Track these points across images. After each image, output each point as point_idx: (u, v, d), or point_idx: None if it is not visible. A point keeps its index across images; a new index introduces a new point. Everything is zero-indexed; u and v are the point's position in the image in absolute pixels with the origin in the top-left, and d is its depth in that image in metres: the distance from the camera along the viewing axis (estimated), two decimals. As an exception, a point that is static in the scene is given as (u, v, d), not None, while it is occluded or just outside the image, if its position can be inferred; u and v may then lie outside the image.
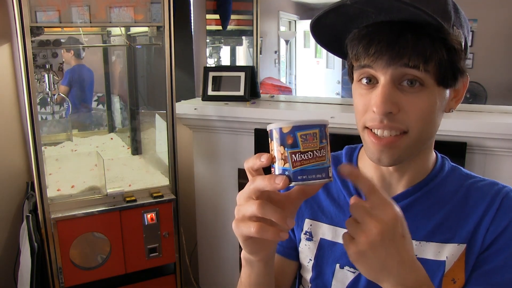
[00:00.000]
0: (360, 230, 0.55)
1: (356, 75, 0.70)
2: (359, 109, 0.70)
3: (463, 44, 0.67)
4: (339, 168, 0.57)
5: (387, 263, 0.56)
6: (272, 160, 0.55)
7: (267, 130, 0.55)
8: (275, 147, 0.54)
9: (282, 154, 0.53)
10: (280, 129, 0.53)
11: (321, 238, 0.82)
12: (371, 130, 0.69)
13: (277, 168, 0.54)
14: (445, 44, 0.64)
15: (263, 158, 0.55)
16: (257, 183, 0.55)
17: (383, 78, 0.65)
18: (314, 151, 0.53)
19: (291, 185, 0.54)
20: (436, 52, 0.63)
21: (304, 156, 0.52)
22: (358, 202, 0.57)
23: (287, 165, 0.53)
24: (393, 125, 0.66)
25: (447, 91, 0.69)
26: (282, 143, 0.53)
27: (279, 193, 0.60)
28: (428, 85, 0.65)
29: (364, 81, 0.68)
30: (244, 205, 0.56)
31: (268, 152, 0.56)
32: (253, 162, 0.56)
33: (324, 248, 0.82)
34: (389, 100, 0.64)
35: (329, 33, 0.71)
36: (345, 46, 0.71)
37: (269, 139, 0.55)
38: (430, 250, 0.73)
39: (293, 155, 0.52)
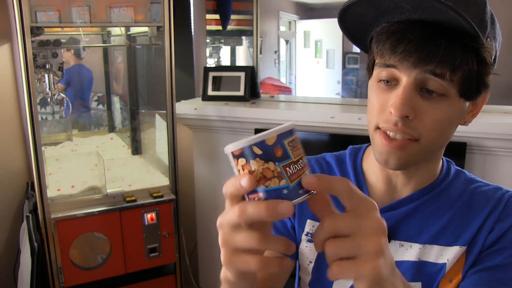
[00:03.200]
0: (357, 243, 0.45)
1: (376, 72, 0.68)
2: (375, 107, 0.67)
3: (493, 57, 0.65)
4: (303, 180, 0.46)
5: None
6: (256, 184, 0.45)
7: (234, 150, 0.45)
8: (259, 166, 0.44)
9: (273, 171, 0.44)
10: (263, 142, 0.44)
11: None
12: (384, 131, 0.67)
13: (268, 190, 0.45)
14: (478, 55, 0.61)
15: (244, 182, 0.45)
16: (250, 213, 0.45)
17: (405, 80, 0.63)
18: (303, 158, 0.46)
19: (293, 204, 0.45)
20: (466, 62, 0.60)
21: (298, 166, 0.45)
22: (335, 215, 0.47)
23: (283, 182, 0.44)
24: (406, 131, 0.64)
25: (467, 104, 0.67)
26: (270, 158, 0.44)
27: None
28: (450, 95, 0.63)
29: (384, 81, 0.66)
30: (234, 236, 0.47)
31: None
32: (235, 188, 0.46)
33: None
34: (408, 103, 0.62)
35: (356, 22, 0.68)
36: (370, 39, 0.68)
37: (240, 159, 0.45)
38: (433, 253, 0.73)
39: (287, 168, 0.44)
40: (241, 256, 0.47)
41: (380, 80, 0.67)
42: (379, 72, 0.66)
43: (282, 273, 0.54)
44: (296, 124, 0.47)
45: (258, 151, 0.44)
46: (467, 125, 0.72)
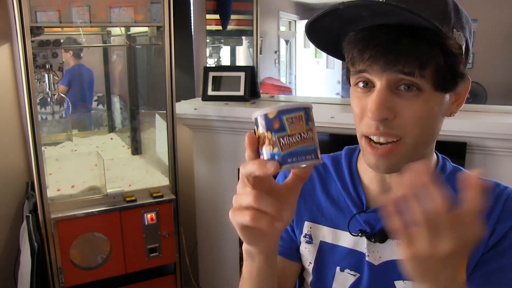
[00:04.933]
0: (433, 240, 0.49)
1: (352, 80, 0.70)
2: (356, 113, 0.70)
3: (463, 46, 0.66)
4: (461, 177, 0.49)
5: (443, 275, 0.51)
6: (260, 147, 0.55)
7: (253, 118, 0.55)
8: (261, 133, 0.54)
9: (269, 139, 0.53)
10: (266, 115, 0.53)
11: (321, 241, 0.82)
12: (368, 138, 0.68)
13: (266, 153, 0.54)
14: (443, 48, 0.62)
15: (246, 143, 0.55)
16: (247, 168, 0.54)
17: (379, 83, 0.65)
18: (301, 133, 0.53)
19: (282, 170, 0.53)
20: (432, 57, 0.62)
21: (292, 139, 0.53)
22: (445, 205, 0.48)
23: (275, 150, 0.53)
24: (389, 132, 0.65)
25: (447, 96, 0.68)
26: (269, 128, 0.53)
27: (277, 183, 0.60)
28: (425, 90, 0.64)
29: (361, 84, 0.68)
30: (241, 194, 0.55)
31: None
32: (251, 169, 0.54)
33: (324, 251, 0.82)
34: (384, 106, 0.64)
35: (326, 35, 0.70)
36: (343, 49, 0.69)
37: (255, 127, 0.55)
38: None
39: (281, 139, 0.52)
40: (241, 211, 0.55)
41: (356, 84, 0.69)
42: (355, 80, 0.69)
43: (273, 233, 0.62)
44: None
45: (262, 122, 0.54)
46: (454, 115, 0.72)
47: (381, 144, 0.67)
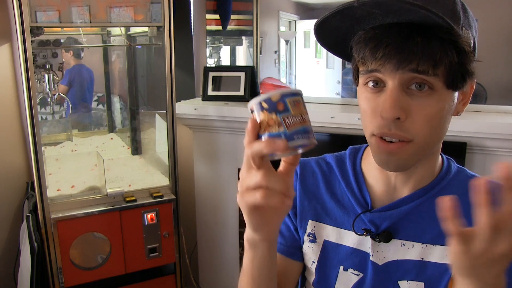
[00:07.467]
0: (492, 239, 0.50)
1: (362, 79, 0.69)
2: (367, 114, 0.69)
3: (472, 45, 0.67)
4: (498, 168, 0.48)
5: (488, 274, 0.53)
6: (262, 131, 0.56)
7: (251, 105, 0.57)
8: (265, 116, 0.56)
9: (274, 121, 0.55)
10: (269, 98, 0.55)
11: (325, 240, 0.82)
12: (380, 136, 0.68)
13: (270, 135, 0.56)
14: (456, 46, 0.62)
15: (248, 126, 0.55)
16: (255, 147, 0.54)
17: (391, 82, 0.64)
18: (302, 115, 0.56)
19: (288, 148, 0.54)
20: (446, 55, 0.61)
21: (295, 119, 0.55)
22: None
23: (281, 129, 0.55)
24: (400, 134, 0.65)
25: (456, 94, 0.68)
26: (274, 110, 0.55)
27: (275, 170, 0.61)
28: (437, 89, 0.64)
29: (371, 84, 0.67)
30: (247, 177, 0.56)
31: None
32: (258, 147, 0.54)
33: (328, 250, 0.81)
34: (397, 105, 0.63)
35: (333, 34, 0.69)
36: (350, 49, 0.69)
37: (255, 112, 0.57)
38: (436, 254, 0.73)
39: (286, 119, 0.55)
40: (250, 192, 0.55)
41: (367, 83, 0.68)
42: (365, 79, 0.68)
43: (282, 212, 0.63)
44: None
45: (265, 105, 0.56)
46: (460, 114, 0.73)
47: (392, 142, 0.67)
